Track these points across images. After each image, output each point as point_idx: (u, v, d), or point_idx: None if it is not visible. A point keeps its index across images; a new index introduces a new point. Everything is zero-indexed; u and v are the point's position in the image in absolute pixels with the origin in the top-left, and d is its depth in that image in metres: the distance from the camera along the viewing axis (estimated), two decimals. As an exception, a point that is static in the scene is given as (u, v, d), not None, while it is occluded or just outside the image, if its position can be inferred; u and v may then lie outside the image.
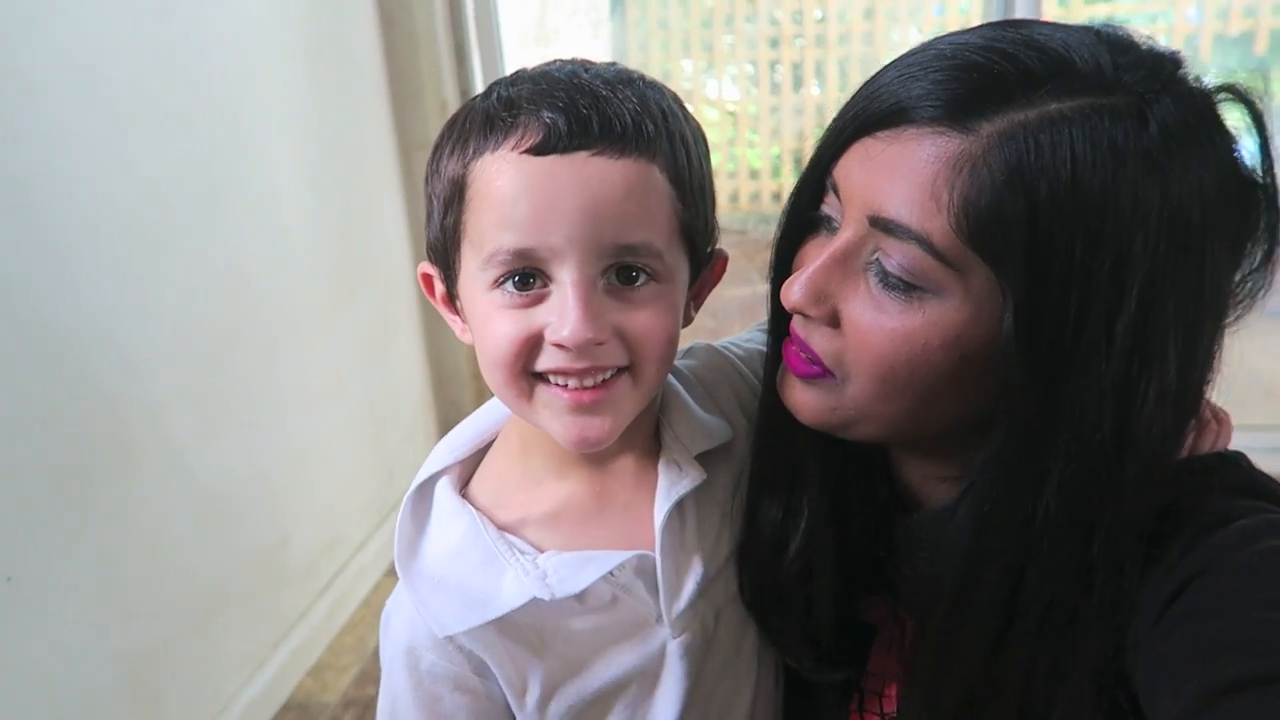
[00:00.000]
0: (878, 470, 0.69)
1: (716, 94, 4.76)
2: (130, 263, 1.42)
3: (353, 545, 2.11)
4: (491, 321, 0.58)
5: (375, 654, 0.95)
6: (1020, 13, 2.14)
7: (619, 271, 0.58)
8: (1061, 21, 0.54)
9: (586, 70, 0.60)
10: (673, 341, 0.61)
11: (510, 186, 0.56)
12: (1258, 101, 0.53)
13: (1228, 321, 0.55)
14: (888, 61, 0.57)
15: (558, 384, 0.58)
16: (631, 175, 0.56)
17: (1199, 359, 0.53)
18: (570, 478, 0.66)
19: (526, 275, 0.57)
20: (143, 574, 1.45)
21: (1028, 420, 0.52)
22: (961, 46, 0.53)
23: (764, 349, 0.69)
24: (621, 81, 0.59)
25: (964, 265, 0.51)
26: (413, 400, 2.43)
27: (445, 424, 2.47)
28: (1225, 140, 0.52)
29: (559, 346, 0.56)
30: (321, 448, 1.97)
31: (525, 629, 0.64)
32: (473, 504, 0.66)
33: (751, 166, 4.72)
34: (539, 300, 0.57)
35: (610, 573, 0.62)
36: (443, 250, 0.62)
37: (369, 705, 1.78)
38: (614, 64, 0.62)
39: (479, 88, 2.03)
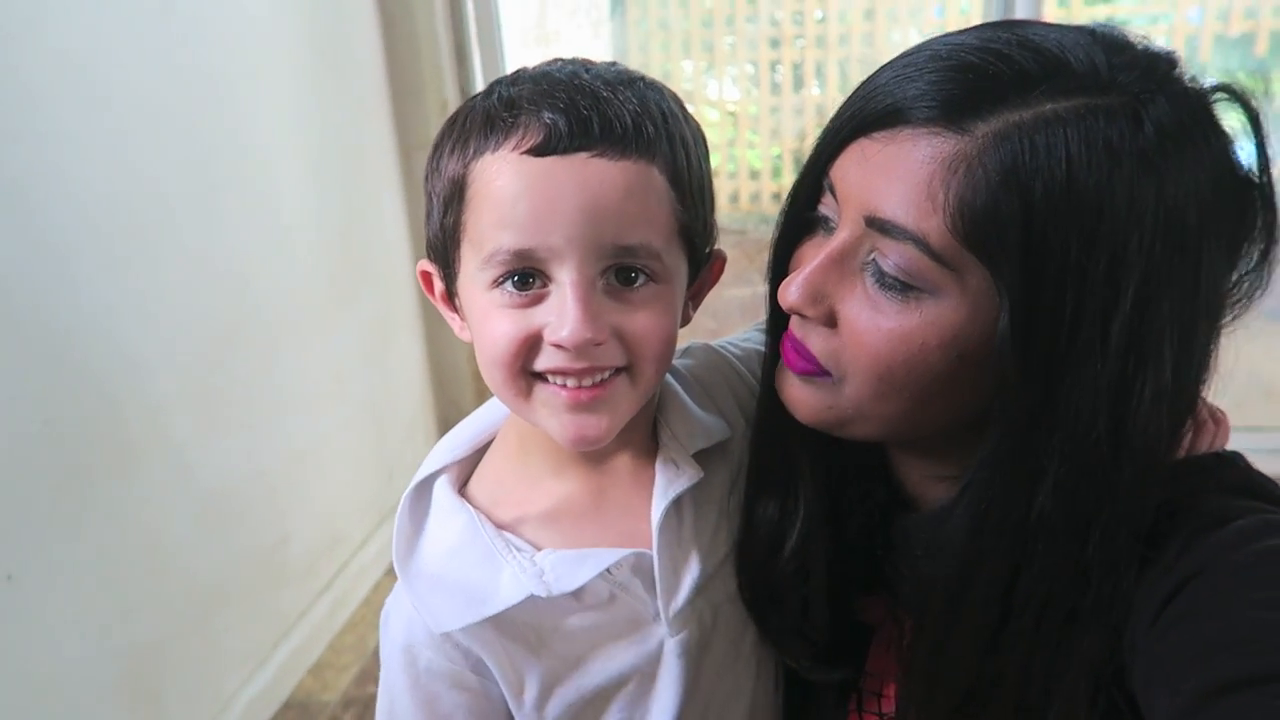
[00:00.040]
0: (875, 470, 0.69)
1: (717, 94, 4.75)
2: (130, 263, 1.42)
3: (353, 545, 2.11)
4: (491, 321, 0.59)
5: (375, 653, 0.95)
6: (1020, 14, 2.13)
7: (618, 272, 0.58)
8: (1061, 22, 0.54)
9: (587, 71, 0.60)
10: (671, 342, 0.61)
11: (510, 187, 0.56)
12: (1253, 101, 0.53)
13: (1224, 322, 0.55)
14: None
15: (556, 383, 0.59)
16: (631, 176, 0.56)
17: (1195, 359, 0.53)
18: (568, 476, 0.67)
19: (526, 275, 0.57)
20: (143, 573, 1.45)
21: (1023, 420, 0.52)
22: (957, 47, 0.53)
23: (762, 349, 0.69)
24: (622, 82, 0.59)
25: (960, 265, 0.51)
26: (413, 400, 2.43)
27: (445, 424, 2.46)
28: (1221, 140, 0.52)
29: (558, 346, 0.57)
30: (321, 448, 1.97)
31: (523, 627, 0.64)
32: (471, 502, 0.66)
33: (751, 167, 4.71)
34: (538, 300, 0.57)
35: (608, 570, 0.63)
36: (442, 249, 0.62)
37: (369, 704, 1.79)
38: (615, 64, 0.62)
39: (479, 88, 2.02)
